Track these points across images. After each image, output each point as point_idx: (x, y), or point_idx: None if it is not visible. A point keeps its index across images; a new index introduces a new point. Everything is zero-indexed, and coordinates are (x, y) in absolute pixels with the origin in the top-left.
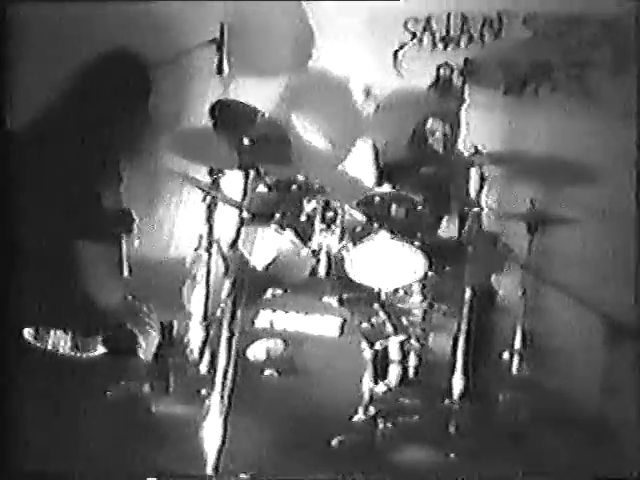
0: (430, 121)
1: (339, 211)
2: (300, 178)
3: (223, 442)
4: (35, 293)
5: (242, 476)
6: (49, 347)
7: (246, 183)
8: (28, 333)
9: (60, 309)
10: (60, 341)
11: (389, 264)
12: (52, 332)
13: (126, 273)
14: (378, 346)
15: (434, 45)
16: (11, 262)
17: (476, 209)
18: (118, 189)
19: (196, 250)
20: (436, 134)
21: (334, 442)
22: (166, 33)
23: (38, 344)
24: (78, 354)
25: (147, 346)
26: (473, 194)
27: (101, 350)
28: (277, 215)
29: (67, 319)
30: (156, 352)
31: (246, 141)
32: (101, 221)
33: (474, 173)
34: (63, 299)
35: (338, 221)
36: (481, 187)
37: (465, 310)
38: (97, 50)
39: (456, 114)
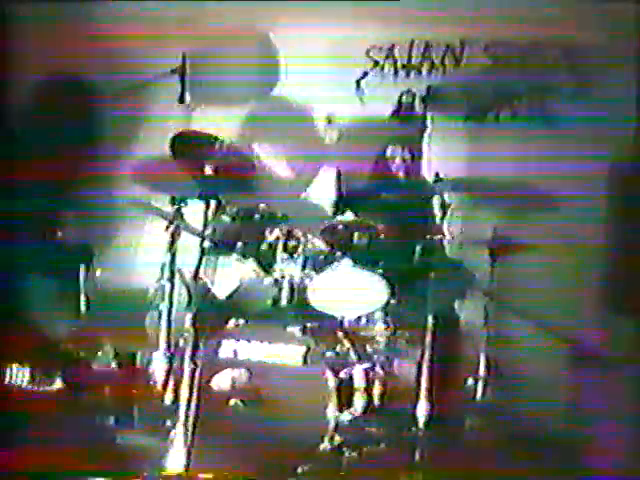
0: (390, 148)
1: (301, 239)
2: (262, 207)
3: (187, 471)
4: None
5: None
6: (7, 381)
7: (207, 212)
8: None
9: (18, 344)
10: (18, 375)
11: (352, 292)
12: (10, 367)
13: (83, 309)
14: (342, 374)
15: (396, 73)
16: None
17: (438, 236)
18: (76, 220)
19: (158, 280)
20: (396, 161)
21: (300, 471)
22: (126, 61)
23: None
24: (36, 388)
25: (108, 360)
26: (435, 221)
27: (59, 384)
28: (239, 244)
29: (24, 354)
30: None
31: (208, 170)
32: (58, 254)
33: (436, 200)
34: (21, 334)
35: (300, 250)
36: (443, 214)
37: (428, 337)
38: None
39: (418, 141)
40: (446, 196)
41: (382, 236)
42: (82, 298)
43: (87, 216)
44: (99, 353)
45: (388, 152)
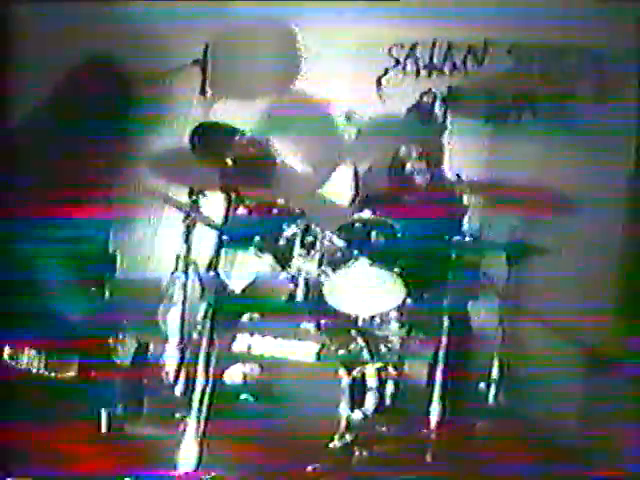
0: (403, 148)
1: (319, 236)
2: (280, 202)
3: (198, 465)
4: (12, 312)
5: None
6: (24, 366)
7: (227, 205)
8: (6, 352)
9: (35, 328)
10: (34, 361)
11: (367, 291)
12: (27, 351)
13: (107, 295)
14: (355, 373)
15: (418, 72)
16: None
17: (457, 237)
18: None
19: (173, 271)
20: (411, 161)
21: (309, 469)
22: (151, 51)
23: (14, 363)
24: (52, 374)
25: (122, 352)
26: (454, 222)
27: (75, 371)
28: (256, 238)
29: (42, 339)
30: (132, 359)
31: (229, 162)
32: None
33: (455, 201)
34: (38, 318)
35: (318, 246)
36: (462, 215)
37: (443, 338)
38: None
39: (437, 141)
40: (465, 197)
41: (399, 235)
42: (106, 285)
43: (107, 204)
44: (119, 341)
45: (401, 152)
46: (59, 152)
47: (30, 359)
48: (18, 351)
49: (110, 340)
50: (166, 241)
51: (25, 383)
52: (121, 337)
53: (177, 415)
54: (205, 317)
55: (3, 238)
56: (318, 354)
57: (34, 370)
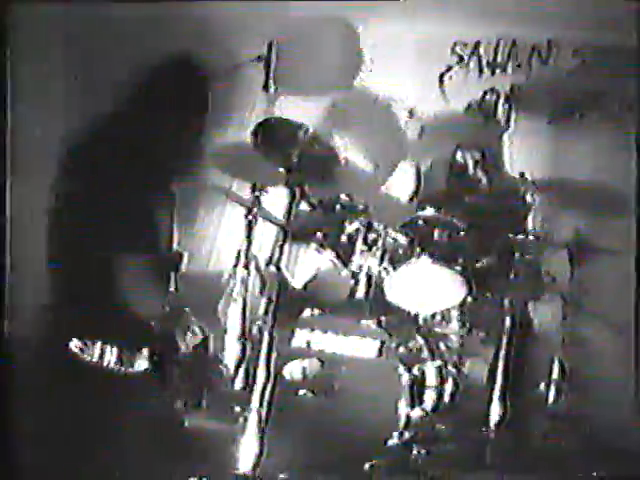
0: (459, 153)
1: (381, 233)
2: (343, 198)
3: (259, 458)
4: (82, 306)
5: None
6: (95, 360)
7: (291, 201)
8: (75, 345)
9: (106, 323)
10: (105, 354)
11: (429, 288)
12: (98, 345)
13: (173, 288)
14: (415, 371)
15: (481, 70)
16: (60, 273)
17: (520, 236)
18: (170, 210)
19: (234, 266)
20: (469, 160)
21: (367, 466)
22: (215, 48)
23: (84, 357)
24: (122, 368)
25: (189, 340)
26: (518, 220)
27: (144, 365)
28: (318, 234)
29: (113, 333)
30: (196, 347)
31: (293, 158)
32: (150, 237)
33: (519, 200)
34: (109, 313)
35: (380, 243)
36: (525, 214)
37: (504, 338)
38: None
39: (497, 140)
40: (529, 196)
41: (463, 233)
42: (172, 278)
43: (172, 200)
44: (188, 335)
45: (457, 153)
46: (125, 150)
47: (101, 353)
48: (89, 344)
49: (177, 333)
50: (228, 236)
51: (93, 377)
52: (187, 330)
53: (237, 409)
54: (266, 312)
55: (72, 233)
56: (379, 351)
57: (105, 364)
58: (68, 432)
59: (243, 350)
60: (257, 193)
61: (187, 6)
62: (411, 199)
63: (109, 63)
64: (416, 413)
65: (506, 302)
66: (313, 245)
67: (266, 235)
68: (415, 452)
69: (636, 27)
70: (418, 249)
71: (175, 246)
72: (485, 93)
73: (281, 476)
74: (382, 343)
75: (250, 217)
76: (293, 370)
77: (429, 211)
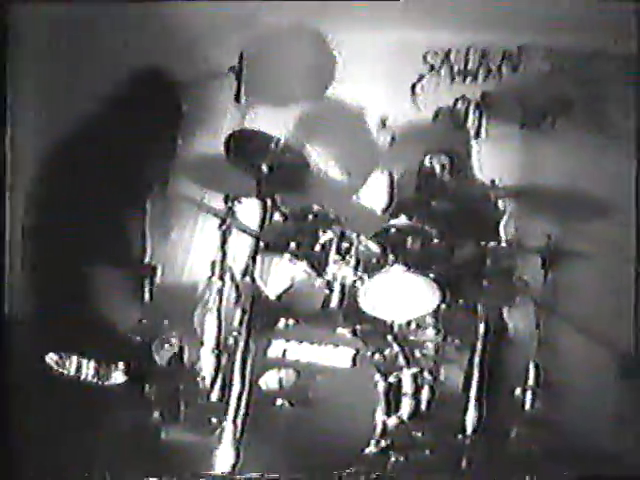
0: (427, 158)
1: (354, 242)
2: (316, 208)
3: (234, 469)
4: (56, 319)
5: None
6: (71, 374)
7: (263, 211)
8: (50, 359)
9: (82, 336)
10: (82, 368)
11: (403, 296)
12: (74, 359)
13: (147, 298)
14: (391, 378)
15: (452, 78)
16: (34, 287)
17: (492, 243)
18: (143, 222)
19: (209, 277)
20: (437, 167)
21: (345, 474)
22: (186, 59)
23: (60, 370)
24: (99, 382)
25: (163, 352)
26: (489, 227)
27: (121, 378)
28: (292, 245)
29: (89, 346)
30: (170, 359)
31: (265, 169)
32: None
33: (491, 206)
34: (85, 326)
35: (353, 252)
36: (497, 220)
37: (478, 344)
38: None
39: (467, 147)
40: (500, 202)
41: (435, 241)
42: (146, 290)
43: (145, 212)
44: (165, 346)
45: (426, 161)
46: (98, 162)
47: (77, 366)
48: (65, 358)
49: (153, 345)
50: (202, 248)
51: (69, 390)
52: (162, 342)
53: (213, 420)
54: (241, 323)
55: (49, 245)
56: (354, 360)
57: (82, 377)
58: (43, 445)
59: (218, 361)
60: (230, 204)
61: (158, 16)
62: (385, 208)
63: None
64: (393, 421)
65: (480, 308)
66: (287, 255)
67: (240, 246)
68: (392, 459)
69: (609, 31)
70: (391, 257)
71: (148, 258)
72: (457, 101)
73: None
74: (357, 351)
75: (224, 228)
76: (269, 380)
77: (401, 219)
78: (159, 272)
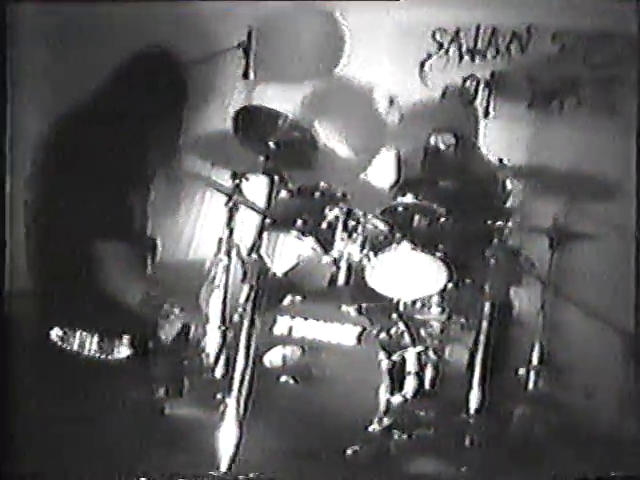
0: (433, 134)
1: (361, 220)
2: (323, 185)
3: (237, 446)
4: (61, 294)
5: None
6: (75, 348)
7: (270, 188)
8: (56, 334)
9: (86, 310)
10: (86, 342)
11: (409, 275)
12: (78, 333)
13: (150, 270)
14: (396, 357)
15: (461, 57)
16: (37, 263)
17: (499, 222)
18: (146, 197)
19: (216, 254)
20: (440, 144)
21: (349, 452)
22: (193, 36)
23: (65, 345)
24: (103, 356)
25: (169, 328)
26: (497, 206)
27: (126, 352)
28: (299, 222)
29: (93, 320)
30: (176, 336)
31: (272, 145)
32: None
33: (498, 186)
34: (88, 300)
35: (360, 230)
36: (505, 200)
37: (484, 323)
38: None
39: (476, 126)
40: (508, 182)
41: (442, 220)
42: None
43: (150, 188)
44: (170, 317)
45: (432, 140)
46: (104, 138)
47: (81, 341)
48: (69, 333)
49: (158, 319)
50: (209, 224)
51: (73, 364)
52: (167, 317)
53: (217, 396)
54: (247, 300)
55: (51, 221)
56: (359, 337)
57: (85, 352)
58: (47, 419)
59: (224, 338)
60: (237, 181)
61: None
62: (392, 186)
63: (92, 52)
64: (396, 399)
65: (486, 287)
66: (294, 232)
67: (247, 223)
68: (395, 437)
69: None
70: (398, 235)
71: (151, 232)
72: (465, 80)
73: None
74: (362, 329)
75: (231, 205)
76: (274, 357)
77: (409, 197)
78: (161, 248)
